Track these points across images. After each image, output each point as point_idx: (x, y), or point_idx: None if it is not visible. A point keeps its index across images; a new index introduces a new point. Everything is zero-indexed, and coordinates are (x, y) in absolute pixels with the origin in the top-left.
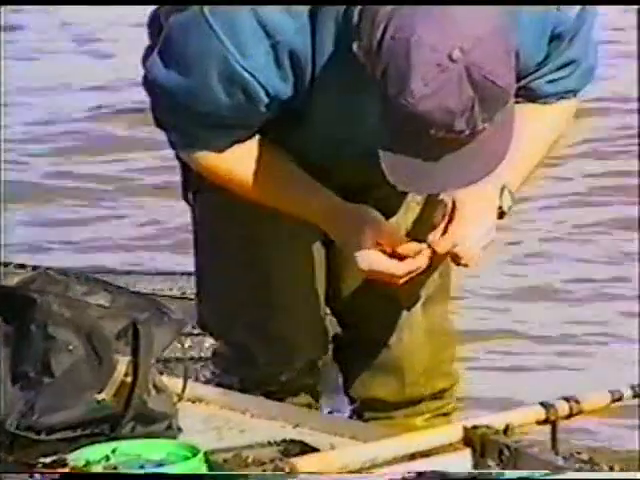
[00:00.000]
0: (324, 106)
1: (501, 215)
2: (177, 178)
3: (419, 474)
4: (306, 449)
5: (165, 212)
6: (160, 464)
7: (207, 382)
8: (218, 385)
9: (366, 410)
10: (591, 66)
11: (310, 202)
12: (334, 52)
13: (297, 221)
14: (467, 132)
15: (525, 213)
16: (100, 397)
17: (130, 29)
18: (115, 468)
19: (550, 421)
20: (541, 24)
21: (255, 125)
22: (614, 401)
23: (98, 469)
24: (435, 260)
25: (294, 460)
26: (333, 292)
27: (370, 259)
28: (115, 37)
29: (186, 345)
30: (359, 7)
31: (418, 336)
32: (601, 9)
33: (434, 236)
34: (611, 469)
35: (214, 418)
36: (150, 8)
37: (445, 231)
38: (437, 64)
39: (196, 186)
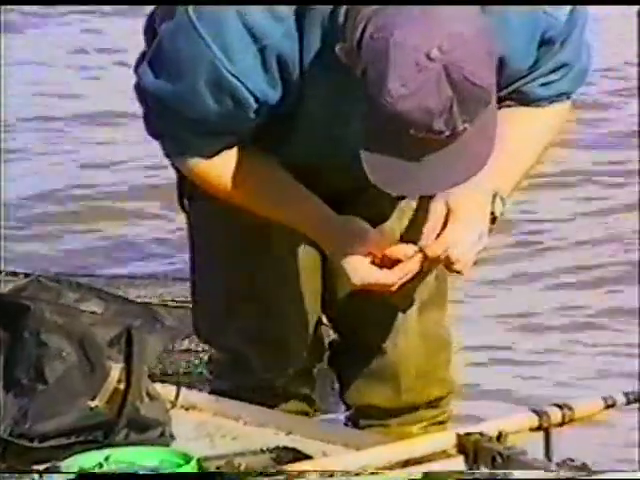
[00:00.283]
0: (313, 109)
1: (493, 220)
2: None
3: None
4: (299, 456)
5: None
6: (153, 471)
7: (200, 389)
8: (212, 391)
9: (361, 417)
10: (584, 68)
11: (299, 211)
12: (321, 55)
13: (292, 228)
14: (447, 132)
15: None
16: (93, 404)
17: None
18: None
19: (543, 428)
20: (531, 28)
21: (244, 131)
22: (607, 407)
23: None
24: (428, 265)
25: (287, 467)
26: (329, 298)
27: (361, 274)
28: None
29: None
30: (345, 7)
31: (413, 340)
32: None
33: (426, 240)
34: None
35: (207, 425)
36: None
37: (437, 236)
38: (415, 63)
39: (190, 193)
